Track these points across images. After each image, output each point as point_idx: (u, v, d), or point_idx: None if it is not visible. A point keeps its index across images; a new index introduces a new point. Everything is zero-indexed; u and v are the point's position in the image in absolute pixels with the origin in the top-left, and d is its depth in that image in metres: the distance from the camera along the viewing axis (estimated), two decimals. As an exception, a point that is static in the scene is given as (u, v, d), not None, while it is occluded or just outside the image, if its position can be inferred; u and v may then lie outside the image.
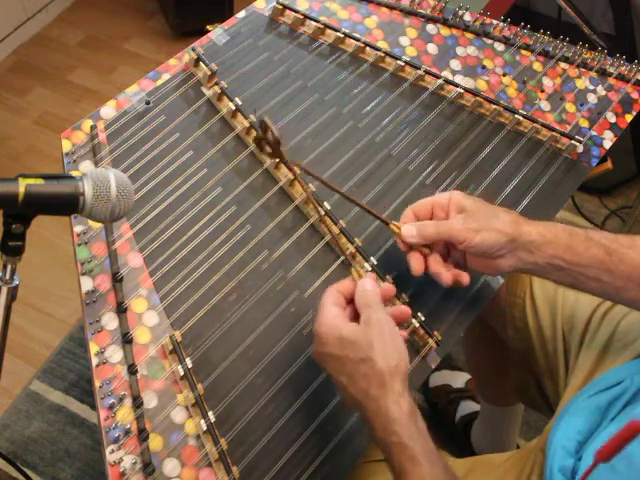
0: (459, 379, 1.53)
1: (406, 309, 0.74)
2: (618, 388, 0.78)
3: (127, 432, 0.72)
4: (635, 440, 0.62)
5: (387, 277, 0.83)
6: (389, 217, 0.81)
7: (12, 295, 0.65)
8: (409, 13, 1.07)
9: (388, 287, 0.74)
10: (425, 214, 0.78)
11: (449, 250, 0.79)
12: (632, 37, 1.72)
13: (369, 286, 0.71)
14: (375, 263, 0.84)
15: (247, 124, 0.90)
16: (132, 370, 0.74)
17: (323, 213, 0.84)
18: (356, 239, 0.85)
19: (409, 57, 1.02)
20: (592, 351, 0.90)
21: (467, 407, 1.47)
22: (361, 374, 0.66)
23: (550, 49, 1.10)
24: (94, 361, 0.75)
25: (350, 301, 0.72)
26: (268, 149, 0.82)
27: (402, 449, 0.64)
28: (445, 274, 0.76)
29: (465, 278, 0.77)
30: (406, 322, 0.79)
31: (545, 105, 1.05)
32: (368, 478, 0.86)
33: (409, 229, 0.76)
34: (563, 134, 1.01)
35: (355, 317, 0.71)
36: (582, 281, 0.76)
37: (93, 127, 0.88)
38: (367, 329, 0.67)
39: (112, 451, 0.71)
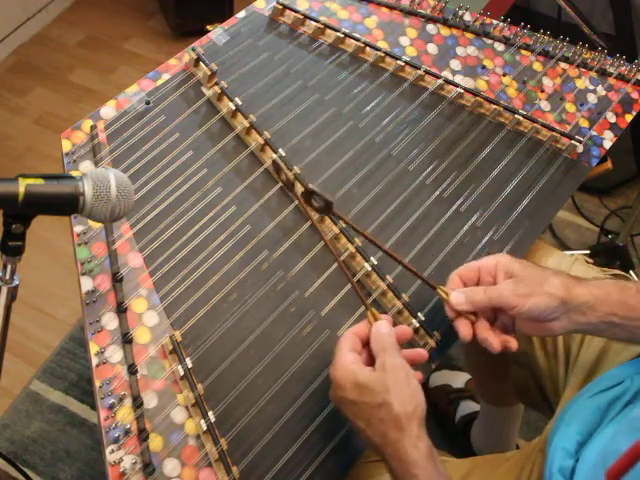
0: (459, 379, 1.52)
1: (423, 352, 0.75)
2: (618, 388, 0.78)
3: (127, 432, 0.72)
4: None
5: (387, 277, 0.83)
6: (390, 216, 0.81)
7: (12, 295, 0.65)
8: (409, 13, 1.07)
9: (404, 329, 0.74)
10: (472, 279, 0.76)
11: (496, 314, 0.77)
12: (632, 37, 1.71)
13: (384, 329, 0.71)
14: (375, 263, 0.84)
15: (247, 124, 0.90)
16: (132, 370, 0.74)
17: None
18: (356, 239, 0.85)
19: (409, 57, 1.02)
20: (592, 351, 0.90)
21: (467, 407, 1.47)
22: (378, 419, 0.67)
23: (550, 49, 1.10)
24: (94, 361, 0.75)
25: (366, 343, 0.73)
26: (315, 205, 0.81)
27: None
28: (494, 342, 0.74)
29: (514, 344, 0.75)
30: (422, 363, 0.77)
31: (545, 105, 1.05)
32: (368, 478, 0.86)
33: (458, 297, 0.75)
34: (563, 134, 1.01)
35: (371, 360, 0.71)
36: (637, 334, 0.75)
37: (93, 127, 0.88)
38: (383, 374, 0.68)
39: (112, 451, 0.71)
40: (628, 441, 0.69)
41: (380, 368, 0.69)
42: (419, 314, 0.82)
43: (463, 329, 0.75)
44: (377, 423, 0.67)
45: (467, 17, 1.09)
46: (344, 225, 0.85)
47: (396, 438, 0.66)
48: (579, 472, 0.71)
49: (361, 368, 0.69)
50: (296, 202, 0.87)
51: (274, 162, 0.84)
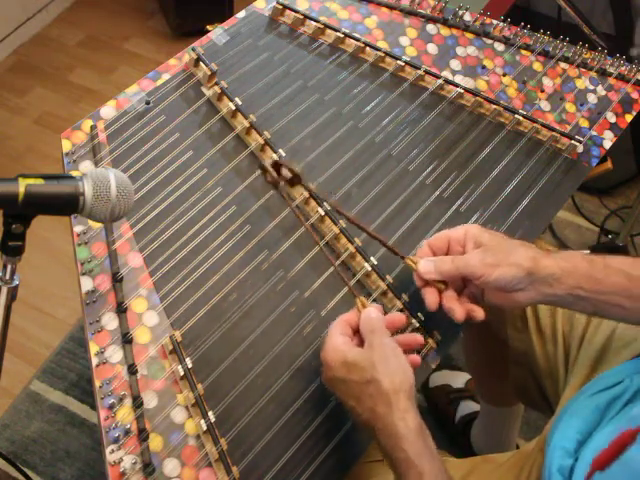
0: (459, 379, 1.53)
1: (417, 337, 0.75)
2: (618, 388, 0.78)
3: (127, 432, 0.72)
4: (631, 447, 0.63)
5: (387, 277, 0.83)
6: (390, 216, 0.81)
7: (12, 295, 0.65)
8: (409, 13, 1.07)
9: (396, 316, 0.75)
10: (441, 248, 0.77)
11: (465, 283, 0.77)
12: (632, 37, 1.71)
13: (373, 314, 0.72)
14: (375, 263, 0.84)
15: (247, 124, 0.90)
16: (132, 370, 0.74)
17: (323, 213, 0.84)
18: (356, 239, 0.85)
19: (409, 57, 1.02)
20: (591, 351, 0.90)
21: (467, 407, 1.47)
22: (367, 395, 0.67)
23: (550, 49, 1.10)
24: (94, 361, 0.75)
25: (356, 331, 0.73)
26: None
27: (409, 466, 0.65)
28: (458, 310, 0.75)
29: (479, 313, 0.76)
30: (417, 347, 0.78)
31: (545, 105, 1.05)
32: (368, 478, 0.86)
33: (427, 265, 0.75)
34: (563, 134, 1.01)
35: (361, 345, 0.72)
36: (604, 309, 0.75)
37: (93, 127, 0.88)
38: (370, 351, 0.69)
39: (112, 451, 0.71)
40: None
41: (368, 347, 0.70)
42: (419, 314, 0.82)
43: (429, 297, 0.76)
44: (366, 399, 0.67)
45: (467, 17, 1.09)
46: (344, 225, 0.85)
47: (384, 412, 0.66)
48: (577, 472, 0.71)
49: (350, 348, 0.70)
50: (296, 202, 0.87)
51: (261, 166, 0.84)
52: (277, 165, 0.80)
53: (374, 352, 0.69)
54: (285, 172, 0.80)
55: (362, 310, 0.73)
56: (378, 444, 0.68)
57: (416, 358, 0.73)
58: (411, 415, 0.66)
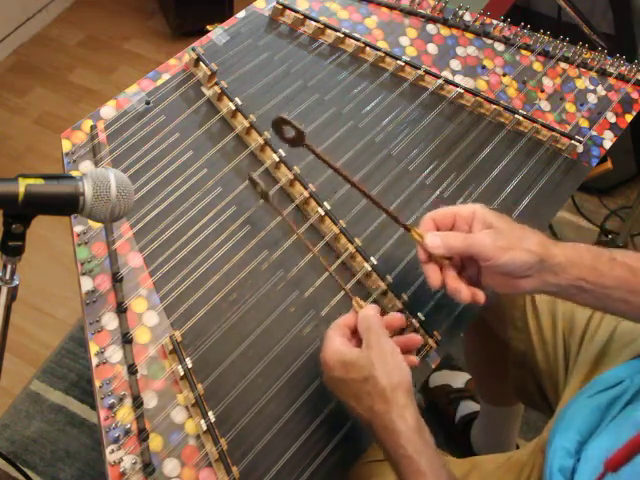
0: (459, 379, 1.53)
1: (416, 337, 0.74)
2: (618, 388, 0.78)
3: (127, 432, 0.72)
4: None
5: (387, 277, 0.83)
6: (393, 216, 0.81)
7: (12, 295, 0.65)
8: (409, 13, 1.07)
9: (395, 316, 0.74)
10: (446, 224, 0.75)
11: (464, 265, 0.76)
12: (632, 37, 1.71)
13: (370, 312, 0.72)
14: (375, 263, 0.84)
15: (247, 124, 0.90)
16: (132, 370, 0.74)
17: (323, 213, 0.84)
18: (356, 239, 0.85)
19: (409, 57, 1.02)
20: (592, 351, 0.90)
21: (467, 407, 1.47)
22: (365, 393, 0.67)
23: (550, 49, 1.10)
24: (94, 361, 0.75)
25: (355, 332, 0.73)
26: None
27: (408, 462, 0.65)
28: (465, 291, 0.73)
29: (481, 297, 0.73)
30: (415, 348, 0.77)
31: (545, 105, 1.05)
32: (368, 478, 0.86)
33: (434, 239, 0.73)
34: (563, 134, 1.01)
35: (360, 346, 0.71)
36: (608, 303, 0.74)
37: (93, 127, 0.88)
38: (368, 350, 0.69)
39: (112, 451, 0.71)
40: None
41: (366, 346, 0.69)
42: (419, 314, 0.82)
43: (433, 275, 0.74)
44: (365, 397, 0.68)
45: (467, 17, 1.09)
46: (344, 225, 0.85)
47: (383, 410, 0.66)
48: (581, 472, 0.71)
49: (348, 348, 0.70)
50: (296, 202, 0.87)
51: (250, 179, 0.84)
52: (280, 123, 0.77)
53: (371, 350, 0.69)
54: (287, 130, 0.77)
55: (359, 310, 0.73)
56: (378, 442, 0.68)
57: (413, 358, 0.73)
58: (409, 412, 0.66)
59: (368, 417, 0.68)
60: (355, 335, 0.73)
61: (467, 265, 0.75)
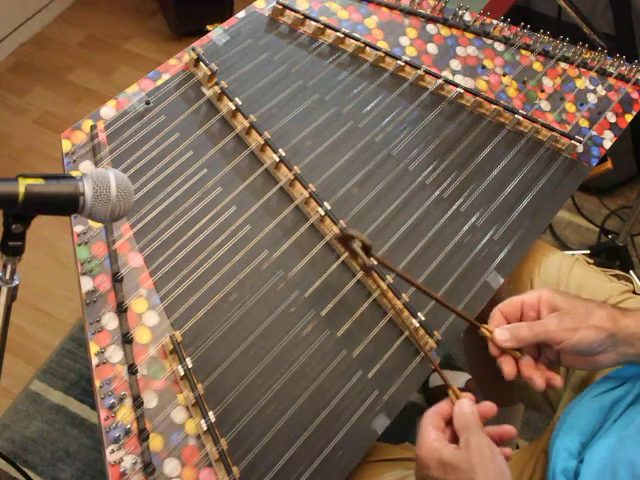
0: (459, 379, 1.52)
1: (510, 428, 0.72)
2: (621, 390, 0.78)
3: (127, 432, 0.72)
4: None
5: (387, 277, 0.83)
6: (391, 216, 0.81)
7: (12, 295, 0.65)
8: (409, 13, 1.07)
9: (488, 406, 0.72)
10: (514, 315, 0.75)
11: (540, 349, 0.75)
12: (632, 37, 1.71)
13: (467, 408, 0.70)
14: (375, 263, 0.84)
15: (247, 124, 0.90)
16: (132, 370, 0.74)
17: (323, 213, 0.84)
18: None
19: (409, 57, 1.02)
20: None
21: (467, 407, 1.47)
22: None
23: (550, 49, 1.10)
24: (94, 361, 0.75)
25: (449, 422, 0.71)
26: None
27: None
28: (539, 380, 0.72)
29: (558, 381, 0.73)
30: (509, 440, 0.74)
31: (545, 105, 1.05)
32: (368, 478, 0.86)
33: (502, 333, 0.73)
34: (563, 134, 1.01)
35: (455, 439, 0.69)
36: None
37: (93, 127, 0.88)
38: (468, 453, 0.66)
39: (112, 451, 0.71)
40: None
41: (464, 446, 0.67)
42: (419, 314, 0.82)
43: (507, 368, 0.74)
44: None
45: (467, 17, 1.09)
46: (344, 225, 0.85)
47: None
48: (584, 475, 0.71)
49: (445, 446, 0.67)
50: (296, 202, 0.87)
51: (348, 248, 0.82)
52: (345, 238, 0.80)
53: (472, 453, 0.66)
54: (356, 244, 0.79)
55: (455, 402, 0.71)
56: None
57: (509, 452, 0.70)
58: None
59: None
60: (449, 425, 0.71)
61: (545, 349, 0.75)
